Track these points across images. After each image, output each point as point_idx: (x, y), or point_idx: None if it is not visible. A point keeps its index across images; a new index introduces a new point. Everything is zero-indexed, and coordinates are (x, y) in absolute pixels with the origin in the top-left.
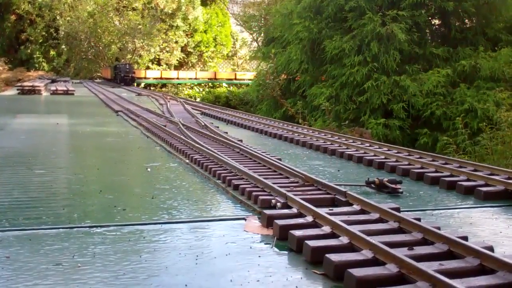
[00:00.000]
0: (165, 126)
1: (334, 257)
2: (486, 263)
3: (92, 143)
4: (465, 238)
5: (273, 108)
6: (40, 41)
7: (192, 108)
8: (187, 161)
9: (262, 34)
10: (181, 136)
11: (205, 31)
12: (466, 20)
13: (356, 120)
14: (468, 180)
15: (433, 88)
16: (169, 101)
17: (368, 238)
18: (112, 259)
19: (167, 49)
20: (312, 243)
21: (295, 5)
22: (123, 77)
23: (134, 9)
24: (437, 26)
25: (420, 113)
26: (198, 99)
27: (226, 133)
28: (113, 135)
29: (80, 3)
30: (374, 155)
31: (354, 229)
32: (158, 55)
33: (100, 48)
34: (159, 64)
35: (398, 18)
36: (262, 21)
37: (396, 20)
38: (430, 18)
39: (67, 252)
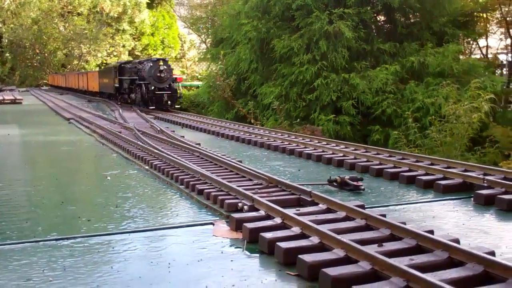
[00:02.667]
0: (120, 132)
1: (307, 257)
2: (454, 256)
3: (47, 153)
4: (431, 232)
5: (224, 109)
6: None
7: (145, 113)
8: (147, 167)
9: (210, 36)
10: (138, 142)
11: (152, 34)
12: (411, 16)
13: (307, 118)
14: (426, 174)
15: (382, 85)
16: (121, 106)
17: (338, 237)
18: (83, 271)
19: (115, 53)
20: (283, 244)
21: (242, 5)
22: (153, 92)
23: (79, 14)
24: (382, 22)
25: (371, 111)
26: None
27: (183, 137)
28: (67, 144)
29: (24, 10)
30: (333, 153)
31: (324, 228)
32: (105, 60)
33: (46, 55)
34: None
35: (345, 16)
36: (210, 23)
37: (343, 18)
38: (375, 14)
39: (36, 267)
